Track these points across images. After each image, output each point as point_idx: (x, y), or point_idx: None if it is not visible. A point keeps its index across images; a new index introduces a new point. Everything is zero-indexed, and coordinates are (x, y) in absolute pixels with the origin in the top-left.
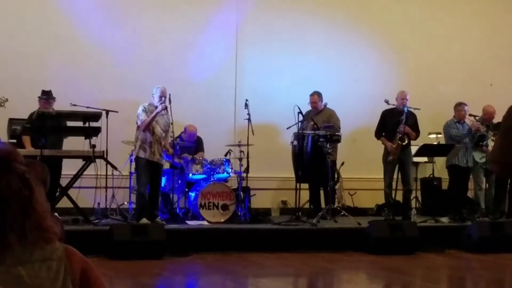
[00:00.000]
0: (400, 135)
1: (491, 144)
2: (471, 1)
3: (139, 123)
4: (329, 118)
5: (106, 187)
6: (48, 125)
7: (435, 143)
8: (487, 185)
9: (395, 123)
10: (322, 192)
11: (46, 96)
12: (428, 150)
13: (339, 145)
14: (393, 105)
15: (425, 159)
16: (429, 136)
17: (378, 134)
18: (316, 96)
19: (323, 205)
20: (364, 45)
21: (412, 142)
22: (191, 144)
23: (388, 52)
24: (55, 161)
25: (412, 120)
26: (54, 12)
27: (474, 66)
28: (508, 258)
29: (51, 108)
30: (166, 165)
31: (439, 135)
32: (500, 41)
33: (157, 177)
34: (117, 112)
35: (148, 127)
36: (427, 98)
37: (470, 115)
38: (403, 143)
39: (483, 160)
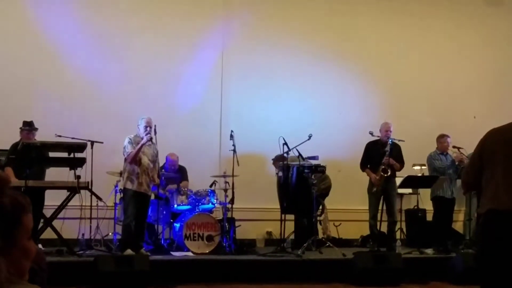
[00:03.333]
0: (383, 167)
1: None
2: (454, 35)
3: (125, 155)
4: None
5: (90, 218)
6: (33, 156)
7: (420, 174)
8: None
9: (379, 155)
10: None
11: (29, 127)
12: (412, 182)
13: None
14: (378, 136)
15: (409, 190)
16: (413, 167)
17: (363, 166)
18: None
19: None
20: (348, 77)
21: (396, 173)
22: (175, 174)
23: (372, 84)
24: (38, 192)
25: (396, 151)
26: (40, 43)
27: (458, 98)
28: None
29: (33, 138)
30: (151, 196)
31: (423, 167)
32: (482, 74)
33: (144, 208)
34: (102, 143)
35: (134, 159)
36: (412, 130)
37: (454, 146)
38: (386, 175)
39: None
